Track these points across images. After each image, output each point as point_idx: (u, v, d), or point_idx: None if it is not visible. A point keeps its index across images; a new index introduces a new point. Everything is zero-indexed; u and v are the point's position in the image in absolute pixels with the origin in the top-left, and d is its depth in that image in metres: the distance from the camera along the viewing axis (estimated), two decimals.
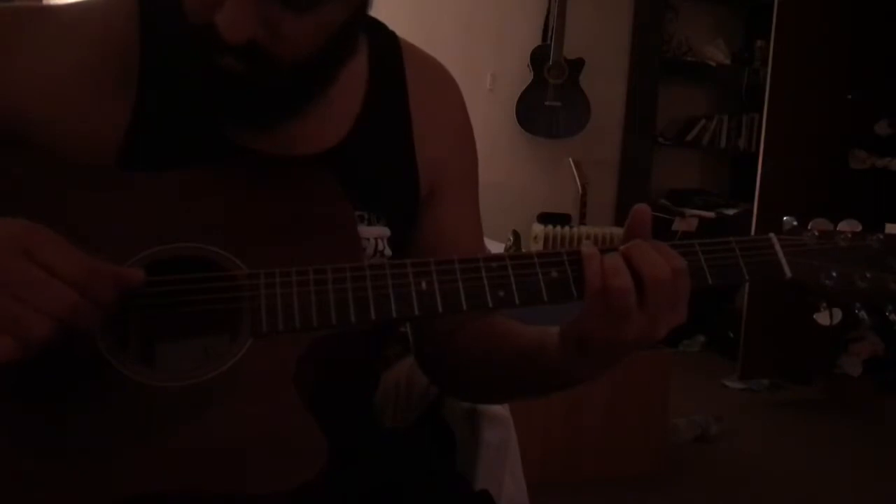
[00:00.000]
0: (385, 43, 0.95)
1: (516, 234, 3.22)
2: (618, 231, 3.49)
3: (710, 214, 4.51)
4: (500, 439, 1.14)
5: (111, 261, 0.70)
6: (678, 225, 4.30)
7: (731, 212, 4.51)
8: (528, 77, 4.36)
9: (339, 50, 0.79)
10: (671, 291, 0.73)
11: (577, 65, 4.38)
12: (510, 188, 4.25)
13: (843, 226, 0.83)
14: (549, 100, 4.35)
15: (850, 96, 3.73)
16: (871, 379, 3.69)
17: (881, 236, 0.82)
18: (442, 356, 0.96)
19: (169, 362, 0.76)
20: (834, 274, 0.80)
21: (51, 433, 0.69)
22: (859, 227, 0.83)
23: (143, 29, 0.83)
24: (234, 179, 0.80)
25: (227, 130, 0.83)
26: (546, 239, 3.28)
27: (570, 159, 4.08)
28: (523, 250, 3.00)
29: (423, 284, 0.74)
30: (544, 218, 3.73)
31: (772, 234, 0.81)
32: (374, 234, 0.88)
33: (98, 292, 0.67)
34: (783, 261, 0.80)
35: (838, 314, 0.82)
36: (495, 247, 2.67)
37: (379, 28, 0.95)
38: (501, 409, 1.15)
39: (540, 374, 0.85)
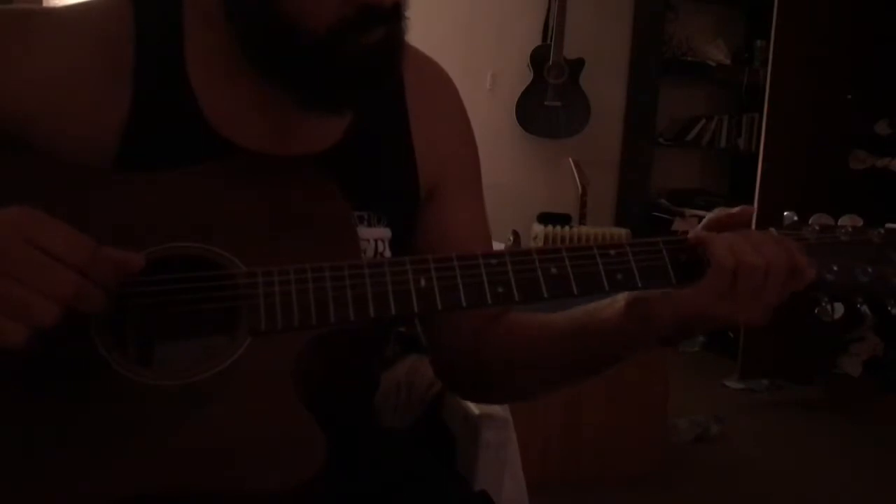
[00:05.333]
0: None
1: (516, 234, 3.22)
2: (618, 231, 3.49)
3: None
4: (500, 439, 1.13)
5: None
6: (678, 225, 4.29)
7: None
8: (528, 77, 4.36)
9: None
10: (783, 282, 0.76)
11: (577, 65, 4.38)
12: (510, 188, 4.25)
13: (845, 220, 0.83)
14: (549, 100, 4.35)
15: (850, 96, 3.72)
16: (871, 379, 3.69)
17: (882, 230, 0.82)
18: (470, 359, 0.93)
19: (168, 362, 0.76)
20: (835, 268, 0.80)
21: (49, 433, 0.69)
22: (860, 222, 0.83)
23: (138, 27, 0.83)
24: (232, 179, 0.80)
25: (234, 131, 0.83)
26: (546, 239, 3.29)
27: (570, 159, 4.07)
28: None
29: (422, 282, 0.73)
30: (544, 218, 3.73)
31: (771, 229, 0.81)
32: (375, 236, 0.88)
33: (101, 274, 0.67)
34: None
35: (840, 309, 0.82)
36: (495, 247, 2.67)
37: None
38: (501, 410, 1.15)
39: (593, 348, 0.85)
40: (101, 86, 0.82)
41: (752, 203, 3.78)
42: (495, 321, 0.93)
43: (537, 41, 4.39)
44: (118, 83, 0.82)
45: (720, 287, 0.76)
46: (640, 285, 0.77)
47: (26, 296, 0.63)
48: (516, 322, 0.93)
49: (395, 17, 0.78)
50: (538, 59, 4.34)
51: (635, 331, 0.81)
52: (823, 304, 0.82)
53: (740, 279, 0.75)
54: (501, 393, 0.99)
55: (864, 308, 0.82)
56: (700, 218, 4.37)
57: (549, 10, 4.40)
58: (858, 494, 2.75)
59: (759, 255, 0.76)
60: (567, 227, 3.45)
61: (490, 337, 0.92)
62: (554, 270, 0.75)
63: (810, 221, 0.83)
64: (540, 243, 3.27)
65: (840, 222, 0.83)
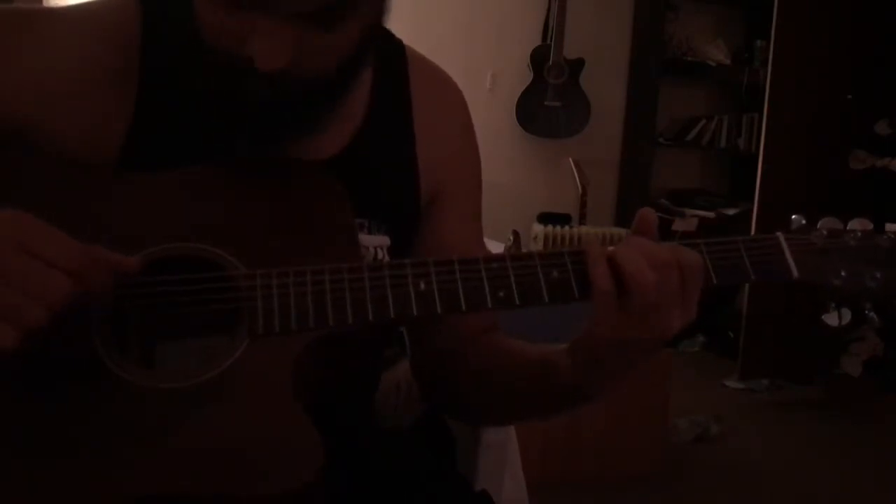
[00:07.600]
0: (390, 51, 0.94)
1: (516, 234, 3.22)
2: (618, 231, 3.49)
3: (710, 214, 4.51)
4: (500, 439, 1.13)
5: None
6: (678, 225, 4.29)
7: (731, 212, 4.51)
8: (528, 77, 4.36)
9: (360, 59, 0.79)
10: (681, 282, 0.72)
11: (577, 65, 4.38)
12: (510, 188, 4.25)
13: (854, 224, 0.81)
14: (549, 100, 4.35)
15: (850, 96, 3.72)
16: (871, 379, 3.69)
17: (892, 235, 0.80)
18: (442, 375, 0.95)
19: (167, 363, 0.76)
20: (843, 273, 0.79)
21: (50, 435, 0.69)
22: (870, 226, 0.81)
23: (145, 29, 0.83)
24: (235, 180, 0.80)
25: (240, 145, 0.83)
26: (546, 239, 3.28)
27: (570, 159, 4.07)
28: (523, 250, 2.99)
29: (422, 285, 0.73)
30: (544, 218, 3.72)
31: (779, 234, 0.80)
32: (374, 244, 0.88)
33: (93, 278, 0.67)
34: (790, 261, 0.79)
35: (847, 314, 0.80)
36: (495, 247, 2.67)
37: (385, 35, 0.94)
38: None
39: (547, 391, 0.84)
40: (106, 85, 0.82)
41: (752, 203, 3.78)
42: (479, 337, 0.93)
43: (537, 41, 4.39)
44: (123, 83, 0.82)
45: (607, 310, 0.72)
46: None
47: (16, 300, 0.63)
48: (497, 343, 0.92)
49: (280, 81, 0.72)
50: (538, 59, 4.34)
51: (579, 369, 0.79)
52: (831, 309, 0.80)
53: (634, 297, 0.71)
54: (466, 410, 0.98)
55: (872, 314, 0.80)
56: (701, 218, 4.39)
57: (549, 10, 4.39)
58: (858, 494, 2.75)
59: (639, 262, 0.71)
60: (567, 227, 3.45)
61: (468, 352, 0.91)
62: (556, 274, 0.75)
63: (819, 225, 0.81)
64: (540, 243, 3.27)
65: (849, 226, 0.81)
